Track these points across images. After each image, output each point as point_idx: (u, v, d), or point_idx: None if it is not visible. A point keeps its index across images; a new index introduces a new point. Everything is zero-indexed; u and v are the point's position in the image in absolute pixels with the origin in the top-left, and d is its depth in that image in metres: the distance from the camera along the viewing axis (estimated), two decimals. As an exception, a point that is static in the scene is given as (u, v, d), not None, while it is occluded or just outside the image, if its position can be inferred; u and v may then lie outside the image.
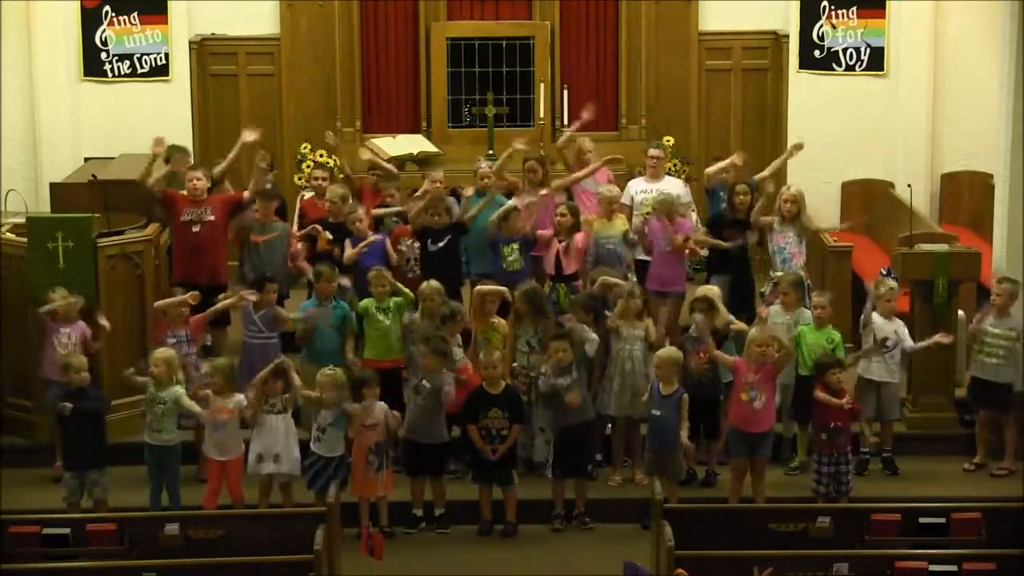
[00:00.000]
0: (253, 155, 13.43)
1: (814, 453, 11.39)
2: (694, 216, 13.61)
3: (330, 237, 12.76)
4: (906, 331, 12.08)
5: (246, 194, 12.87)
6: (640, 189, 13.63)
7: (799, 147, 13.79)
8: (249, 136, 13.12)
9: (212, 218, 12.70)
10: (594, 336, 11.55)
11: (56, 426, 11.41)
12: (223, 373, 11.17)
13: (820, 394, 11.27)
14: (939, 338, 11.98)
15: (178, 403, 11.02)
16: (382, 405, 11.20)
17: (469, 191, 13.23)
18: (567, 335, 11.43)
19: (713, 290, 12.08)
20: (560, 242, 12.62)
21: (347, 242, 12.68)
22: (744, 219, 12.99)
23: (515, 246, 12.67)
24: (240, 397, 11.13)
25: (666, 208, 12.79)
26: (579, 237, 12.61)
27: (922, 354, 12.27)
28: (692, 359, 11.57)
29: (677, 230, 12.76)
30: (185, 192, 12.75)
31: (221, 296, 12.18)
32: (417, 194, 13.22)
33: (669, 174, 14.45)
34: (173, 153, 13.34)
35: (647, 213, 13.18)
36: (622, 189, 13.59)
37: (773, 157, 14.48)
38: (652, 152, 13.93)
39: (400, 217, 13.01)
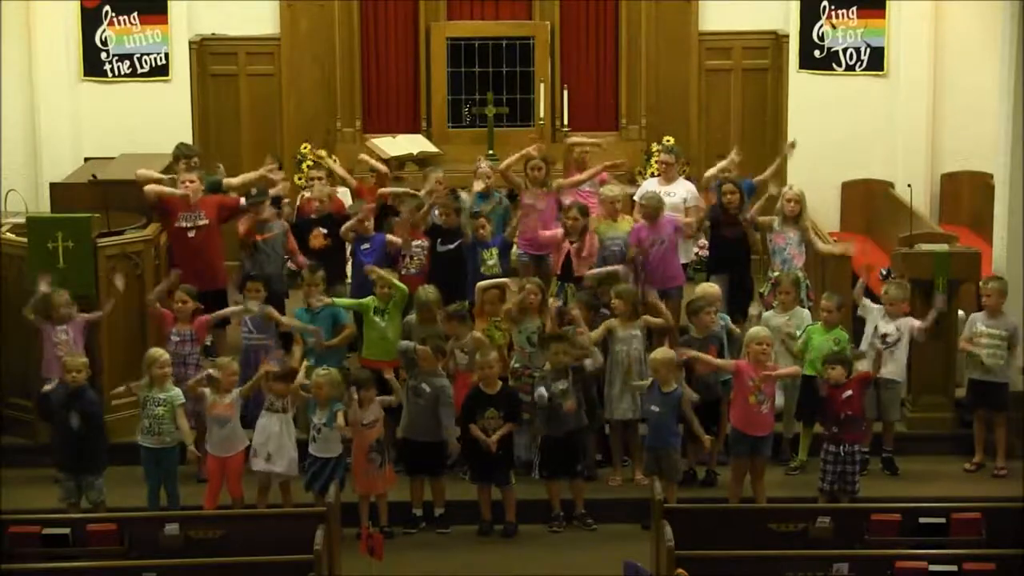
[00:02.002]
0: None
1: (822, 451, 11.35)
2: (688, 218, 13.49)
3: (324, 231, 12.76)
4: (909, 326, 12.02)
5: (242, 201, 12.90)
6: (648, 191, 13.60)
7: (793, 145, 13.82)
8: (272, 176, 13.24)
9: (206, 221, 12.73)
10: (598, 354, 11.51)
11: (51, 428, 11.42)
12: (230, 372, 11.20)
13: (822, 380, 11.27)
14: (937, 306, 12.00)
15: (175, 405, 11.03)
16: (379, 400, 11.20)
17: (480, 186, 13.20)
18: (567, 337, 11.42)
19: (713, 288, 12.08)
20: (572, 243, 12.60)
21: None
22: (734, 217, 12.97)
23: (494, 250, 12.66)
24: (236, 392, 11.16)
25: (650, 209, 12.74)
26: (589, 243, 12.56)
27: (922, 354, 12.27)
28: (698, 360, 11.54)
29: (659, 230, 12.72)
30: (182, 197, 12.77)
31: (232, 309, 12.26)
32: (424, 192, 13.21)
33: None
34: (181, 152, 13.39)
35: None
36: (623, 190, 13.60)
37: (773, 157, 14.48)
38: (663, 157, 13.97)
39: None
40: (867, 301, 12.13)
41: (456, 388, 11.55)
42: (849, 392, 11.23)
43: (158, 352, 11.22)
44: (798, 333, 11.94)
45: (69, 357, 11.12)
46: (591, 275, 12.21)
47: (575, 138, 13.97)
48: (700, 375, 11.55)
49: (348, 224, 12.70)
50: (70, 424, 10.91)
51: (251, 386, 11.23)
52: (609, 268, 12.24)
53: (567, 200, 13.15)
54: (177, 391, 11.13)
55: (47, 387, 11.36)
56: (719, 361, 11.42)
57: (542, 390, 11.30)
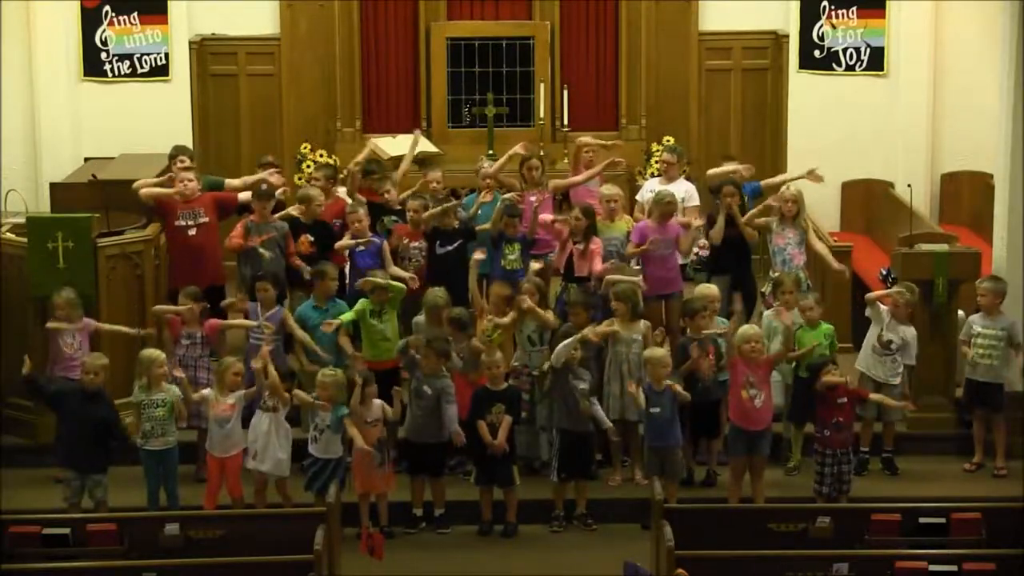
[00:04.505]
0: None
1: (815, 454, 11.36)
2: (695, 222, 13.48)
3: (311, 239, 12.74)
4: (914, 342, 12.03)
5: (241, 196, 12.91)
6: (651, 190, 13.63)
7: (815, 178, 13.70)
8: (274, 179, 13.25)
9: (206, 219, 12.73)
10: (601, 415, 11.49)
11: (60, 425, 11.43)
12: (233, 372, 11.20)
13: (824, 380, 11.22)
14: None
15: (175, 403, 11.03)
16: (378, 402, 11.21)
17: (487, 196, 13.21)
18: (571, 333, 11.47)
19: (710, 290, 12.08)
20: (575, 244, 12.60)
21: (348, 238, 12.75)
22: (734, 218, 12.98)
23: (516, 246, 12.67)
24: (240, 393, 11.17)
25: (659, 209, 12.75)
26: (596, 243, 12.56)
27: (922, 354, 12.27)
28: (702, 363, 11.53)
29: (666, 232, 12.72)
30: (181, 195, 12.75)
31: (233, 311, 12.23)
32: (414, 190, 13.21)
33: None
34: (177, 153, 13.40)
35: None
36: (625, 190, 13.60)
37: (773, 157, 14.49)
38: (665, 157, 14.01)
39: (398, 216, 12.99)
40: (881, 306, 12.10)
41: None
42: (844, 400, 11.23)
43: (155, 352, 11.20)
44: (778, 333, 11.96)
45: (89, 358, 11.10)
46: (608, 280, 12.15)
47: (584, 139, 13.94)
48: (704, 376, 11.56)
49: (341, 244, 12.67)
50: (86, 422, 10.88)
51: (253, 394, 11.24)
52: (621, 277, 12.15)
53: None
54: (174, 388, 11.13)
55: (25, 371, 11.21)
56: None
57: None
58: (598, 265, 12.40)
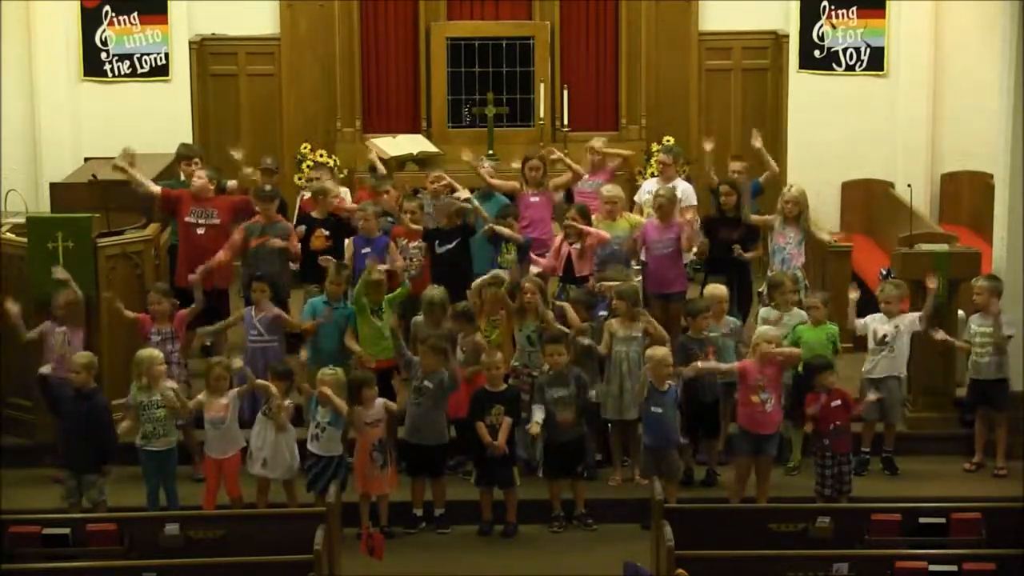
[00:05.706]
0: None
1: (815, 455, 11.34)
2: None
3: (327, 234, 12.75)
4: (909, 320, 12.03)
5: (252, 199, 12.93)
6: (649, 190, 13.66)
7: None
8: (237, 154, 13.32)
9: (218, 221, 12.74)
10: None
11: (55, 425, 11.42)
12: (219, 371, 11.18)
13: (819, 379, 11.21)
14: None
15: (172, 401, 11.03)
16: (380, 400, 11.20)
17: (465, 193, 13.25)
18: (562, 338, 11.44)
19: (719, 291, 12.07)
20: (571, 244, 12.60)
21: (347, 241, 12.71)
22: (733, 218, 13.00)
23: (512, 245, 12.67)
24: (233, 392, 11.14)
25: (664, 203, 12.76)
26: (590, 236, 12.59)
27: (922, 354, 12.27)
28: (699, 362, 11.53)
29: (669, 229, 12.72)
30: (190, 191, 12.78)
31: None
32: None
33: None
34: (184, 153, 13.42)
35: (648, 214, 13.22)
36: (625, 190, 13.61)
37: (773, 157, 14.44)
38: (661, 157, 14.06)
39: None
40: (858, 321, 12.10)
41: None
42: (838, 402, 11.21)
43: (151, 352, 11.18)
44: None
45: (77, 356, 11.10)
46: (604, 287, 12.17)
47: (596, 143, 13.96)
48: (699, 377, 11.54)
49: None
50: (78, 422, 10.88)
51: (246, 390, 11.22)
52: (617, 283, 12.16)
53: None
54: (172, 384, 11.11)
55: (43, 369, 11.27)
56: (724, 366, 11.41)
57: (539, 415, 11.29)
58: (588, 266, 12.49)
